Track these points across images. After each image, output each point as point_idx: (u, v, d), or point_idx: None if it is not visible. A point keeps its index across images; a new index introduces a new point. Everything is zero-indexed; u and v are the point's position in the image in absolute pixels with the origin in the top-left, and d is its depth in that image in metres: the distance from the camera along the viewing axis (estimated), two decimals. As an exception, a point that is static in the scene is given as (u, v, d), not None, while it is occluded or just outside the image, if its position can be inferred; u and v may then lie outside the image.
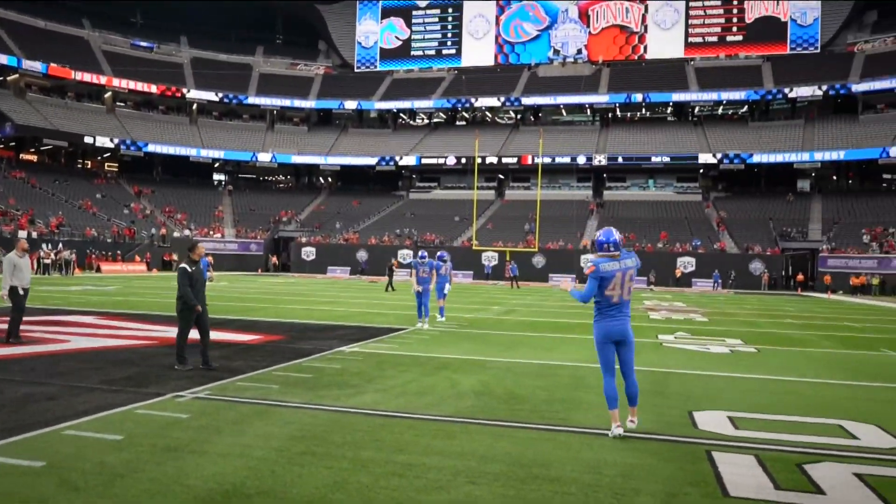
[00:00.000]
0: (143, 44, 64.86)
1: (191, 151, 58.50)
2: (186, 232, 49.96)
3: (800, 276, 44.59)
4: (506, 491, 4.13)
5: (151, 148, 56.57)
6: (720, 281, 42.34)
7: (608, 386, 5.47)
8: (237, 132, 63.37)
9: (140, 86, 59.39)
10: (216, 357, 8.96)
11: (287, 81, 66.69)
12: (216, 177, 65.06)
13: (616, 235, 5.61)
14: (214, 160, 61.04)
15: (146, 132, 58.18)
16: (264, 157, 60.21)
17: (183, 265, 8.14)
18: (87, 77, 56.93)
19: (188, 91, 61.73)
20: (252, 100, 63.63)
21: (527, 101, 60.98)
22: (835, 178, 55.60)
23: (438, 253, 16.21)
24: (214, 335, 11.37)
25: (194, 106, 62.93)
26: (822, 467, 4.74)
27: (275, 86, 65.40)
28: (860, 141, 50.72)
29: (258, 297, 22.03)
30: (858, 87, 53.07)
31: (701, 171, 55.20)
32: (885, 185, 54.11)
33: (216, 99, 62.40)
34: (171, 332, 11.67)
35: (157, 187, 57.96)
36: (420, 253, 14.60)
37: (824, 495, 4.18)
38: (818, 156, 50.77)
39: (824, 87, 53.73)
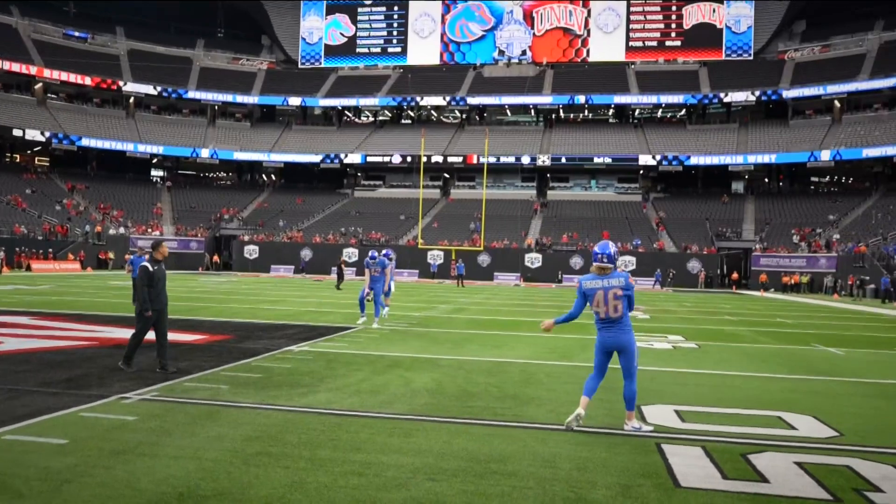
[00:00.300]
0: (77, 34, 62.44)
1: (127, 146, 56.68)
2: (122, 230, 48.35)
3: (734, 275, 46.24)
4: (465, 486, 4.16)
5: (85, 142, 54.60)
6: (660, 279, 43.53)
7: (588, 378, 5.88)
8: (177, 127, 61.73)
9: (73, 77, 57.20)
10: (161, 358, 8.73)
11: (229, 76, 65.33)
12: (154, 173, 63.24)
13: (612, 248, 5.70)
14: (153, 155, 59.25)
15: (79, 125, 56.08)
16: (205, 154, 58.85)
17: (144, 264, 7.80)
18: (16, 67, 54.51)
19: (125, 84, 59.79)
20: (192, 94, 62.06)
21: (472, 100, 61.36)
22: (766, 180, 57.85)
23: (384, 251, 16.19)
24: (157, 335, 11.09)
25: (131, 99, 61.00)
26: (765, 457, 4.94)
27: (216, 80, 63.96)
28: (790, 145, 52.92)
29: (201, 297, 21.53)
30: (789, 94, 55.35)
31: (641, 172, 56.62)
32: (812, 187, 56.64)
33: (154, 92, 60.62)
34: (112, 332, 11.33)
35: (92, 183, 55.94)
36: (371, 253, 14.43)
37: (769, 483, 4.36)
38: (751, 159, 52.75)
39: (757, 93, 55.85)
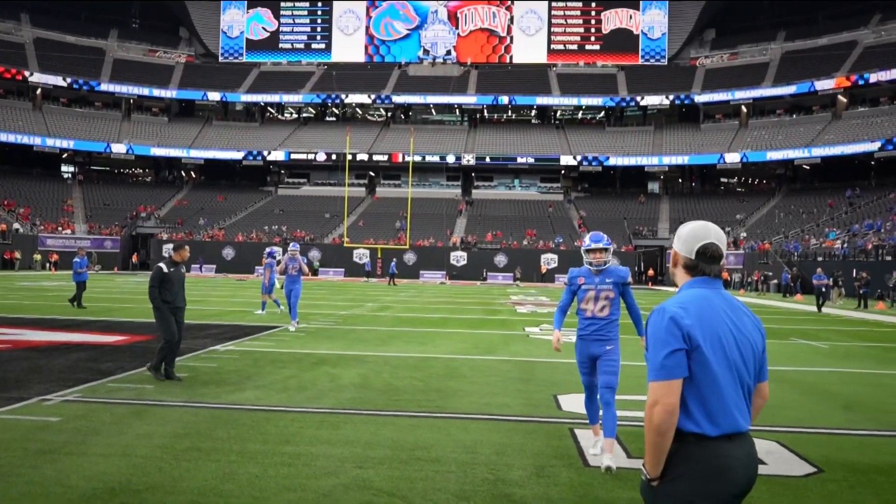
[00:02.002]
0: (-23, 20, 58.86)
1: (35, 140, 53.91)
2: (17, 226, 45.77)
3: (650, 272, 48.20)
4: (391, 473, 4.41)
5: (-13, 135, 51.62)
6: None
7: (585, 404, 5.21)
8: (89, 121, 59.15)
9: (-27, 66, 53.91)
10: (82, 359, 8.59)
11: (145, 68, 63.04)
12: (65, 168, 60.32)
13: (604, 237, 5.06)
14: (62, 150, 56.50)
15: (-19, 118, 52.93)
16: (119, 149, 56.61)
17: (159, 265, 7.57)
18: None
19: (31, 74, 56.80)
20: (105, 86, 59.57)
21: (397, 99, 61.47)
22: (680, 180, 60.47)
23: (268, 249, 16.26)
24: (74, 337, 10.84)
25: (38, 91, 57.96)
26: (666, 437, 5.38)
27: (131, 72, 61.62)
28: (701, 147, 55.56)
29: (119, 297, 20.88)
30: (700, 98, 58.05)
31: (562, 171, 58.17)
32: (721, 187, 59.62)
33: (64, 84, 57.86)
34: (25, 334, 10.98)
35: (-5, 178, 52.90)
36: (292, 244, 13.53)
37: (667, 460, 4.80)
38: (666, 160, 55.08)
39: (671, 97, 58.31)
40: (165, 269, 7.53)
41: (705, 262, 2.22)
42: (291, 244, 13.87)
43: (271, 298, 16.22)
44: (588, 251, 5.00)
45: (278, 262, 14.56)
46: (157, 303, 7.46)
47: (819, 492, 4.28)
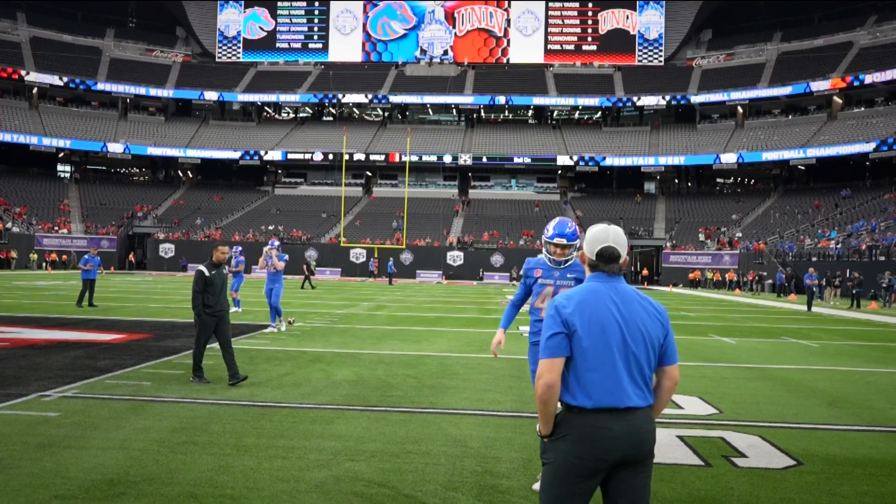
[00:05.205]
0: (-27, 19, 58.82)
1: (31, 139, 53.92)
2: (11, 225, 45.79)
3: (645, 271, 48.38)
4: (382, 465, 4.53)
5: (-16, 134, 51.60)
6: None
7: None
8: (85, 120, 59.17)
9: (-30, 65, 53.89)
10: (79, 357, 8.69)
11: (142, 68, 63.08)
12: (61, 168, 60.31)
13: (569, 228, 4.20)
14: (59, 149, 56.49)
15: (-23, 117, 52.91)
16: (116, 148, 56.62)
17: (200, 268, 7.33)
18: None
19: (27, 73, 56.80)
20: (102, 86, 59.59)
21: (394, 99, 61.59)
22: (676, 181, 60.65)
23: (235, 247, 16.39)
24: (71, 335, 10.94)
25: (35, 90, 57.98)
26: (652, 432, 5.52)
27: (128, 72, 61.65)
28: (697, 147, 55.75)
29: (116, 297, 20.97)
30: (696, 99, 58.25)
31: (559, 171, 58.32)
32: (717, 188, 59.81)
33: (61, 83, 57.87)
34: (22, 332, 11.08)
35: (-9, 178, 52.91)
36: (270, 242, 13.04)
37: (652, 454, 4.92)
38: (662, 160, 55.25)
39: (667, 97, 58.49)
40: (207, 273, 7.29)
41: (603, 262, 2.52)
42: (270, 241, 13.40)
43: (233, 297, 16.25)
44: (548, 243, 4.19)
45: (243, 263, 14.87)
46: (199, 310, 7.23)
47: (797, 483, 4.41)
